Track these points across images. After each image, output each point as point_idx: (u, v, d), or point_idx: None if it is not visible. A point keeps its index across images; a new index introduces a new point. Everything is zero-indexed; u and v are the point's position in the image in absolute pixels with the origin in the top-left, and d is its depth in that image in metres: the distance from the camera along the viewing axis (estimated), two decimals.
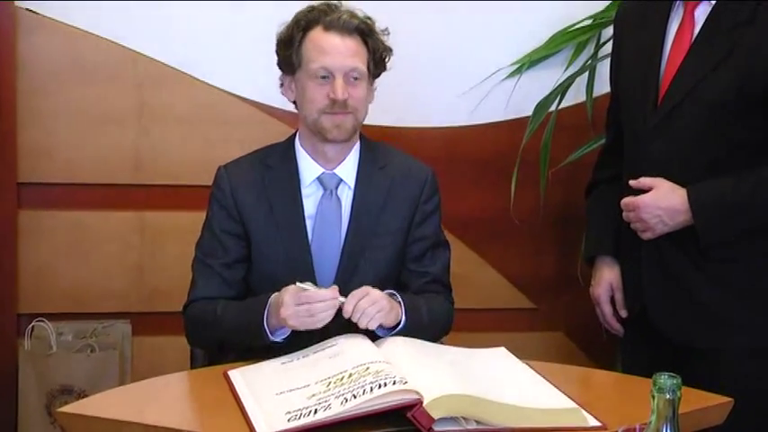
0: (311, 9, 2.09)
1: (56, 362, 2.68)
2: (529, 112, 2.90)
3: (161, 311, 2.80)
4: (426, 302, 2.07)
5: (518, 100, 2.95)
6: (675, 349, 2.08)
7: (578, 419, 1.66)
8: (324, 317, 1.88)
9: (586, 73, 2.91)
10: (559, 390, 1.78)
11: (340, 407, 1.59)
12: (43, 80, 2.76)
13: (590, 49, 2.96)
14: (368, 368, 1.70)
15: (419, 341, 1.96)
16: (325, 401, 1.63)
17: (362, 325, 1.90)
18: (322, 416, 1.58)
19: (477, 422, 1.60)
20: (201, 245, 2.15)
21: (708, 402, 1.77)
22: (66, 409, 1.70)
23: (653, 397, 1.32)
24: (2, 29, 2.70)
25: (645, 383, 1.39)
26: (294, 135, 2.19)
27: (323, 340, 1.92)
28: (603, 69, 2.60)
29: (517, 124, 2.94)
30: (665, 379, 1.31)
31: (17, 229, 2.78)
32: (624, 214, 2.11)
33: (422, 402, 1.58)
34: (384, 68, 2.15)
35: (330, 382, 1.70)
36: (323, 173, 2.12)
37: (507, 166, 2.86)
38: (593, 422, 1.65)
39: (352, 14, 2.08)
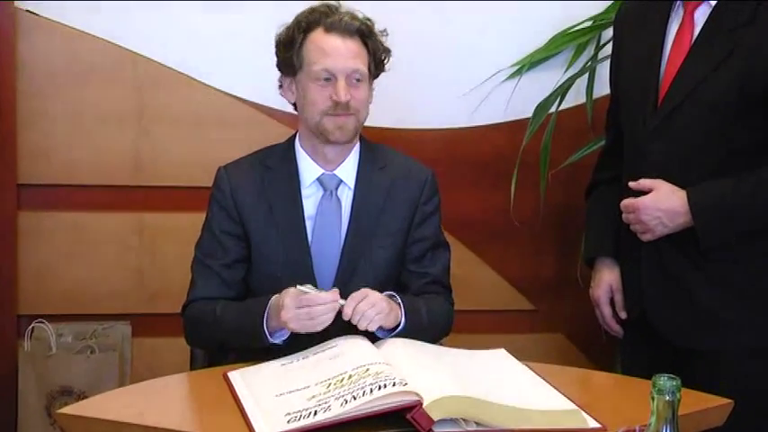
0: (312, 10, 2.09)
1: (56, 363, 2.68)
2: (529, 113, 2.89)
3: (161, 313, 2.80)
4: (426, 303, 2.07)
5: (518, 101, 2.95)
6: (675, 351, 2.08)
7: (578, 421, 1.66)
8: (324, 320, 1.88)
9: (586, 74, 2.91)
10: (559, 391, 1.78)
11: (340, 408, 1.59)
12: (43, 81, 2.76)
13: (590, 51, 2.96)
14: (368, 369, 1.70)
15: (419, 342, 1.96)
16: (325, 403, 1.63)
17: (362, 327, 1.90)
18: (322, 417, 1.58)
19: (477, 424, 1.60)
20: (201, 245, 2.15)
21: (708, 404, 1.77)
22: (66, 410, 1.70)
23: (652, 398, 1.32)
24: (2, 30, 2.70)
25: (644, 385, 1.39)
26: (294, 136, 2.19)
27: (323, 342, 1.92)
28: (603, 71, 2.60)
29: (517, 126, 2.94)
30: (664, 380, 1.31)
31: (17, 230, 2.78)
32: (624, 216, 2.11)
33: (422, 404, 1.58)
34: (383, 69, 2.16)
35: (330, 384, 1.70)
36: (323, 174, 2.12)
37: (507, 168, 2.85)
38: (592, 424, 1.65)
39: (353, 16, 2.08)
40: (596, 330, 2.40)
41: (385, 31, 2.14)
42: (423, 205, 2.16)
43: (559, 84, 2.89)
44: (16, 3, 2.72)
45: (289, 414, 1.62)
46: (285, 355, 1.92)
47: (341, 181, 2.13)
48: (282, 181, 2.12)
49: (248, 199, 2.12)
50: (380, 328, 1.95)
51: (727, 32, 2.01)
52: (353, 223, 2.11)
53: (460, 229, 2.94)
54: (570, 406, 1.71)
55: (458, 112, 2.97)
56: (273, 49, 2.14)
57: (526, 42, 2.96)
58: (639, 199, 2.06)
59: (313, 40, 2.06)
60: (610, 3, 2.90)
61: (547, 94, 2.89)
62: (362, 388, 1.63)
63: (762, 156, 2.01)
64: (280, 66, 2.14)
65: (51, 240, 2.81)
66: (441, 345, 2.05)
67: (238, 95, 2.87)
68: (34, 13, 2.74)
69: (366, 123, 2.14)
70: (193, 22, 2.82)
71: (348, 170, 2.14)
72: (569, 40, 2.95)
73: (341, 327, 1.92)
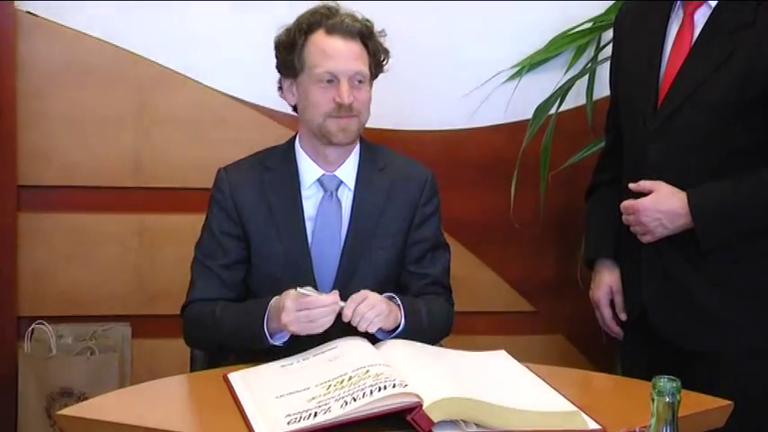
0: (312, 12, 2.10)
1: (55, 364, 2.68)
2: (529, 115, 2.89)
3: (161, 314, 2.80)
4: (426, 304, 2.07)
5: (518, 103, 2.95)
6: (675, 352, 2.08)
7: (578, 422, 1.65)
8: (324, 322, 1.88)
9: (586, 76, 2.91)
10: (559, 393, 1.78)
11: (340, 410, 1.59)
12: (43, 83, 2.76)
13: (590, 52, 2.96)
14: (368, 371, 1.70)
15: (419, 344, 1.96)
16: (325, 404, 1.62)
17: (362, 329, 1.90)
18: (322, 419, 1.58)
19: (477, 425, 1.60)
20: (201, 246, 2.15)
21: (708, 405, 1.77)
22: (66, 411, 1.70)
23: (652, 400, 1.32)
24: (2, 30, 2.70)
25: (645, 386, 1.39)
26: (294, 137, 2.19)
27: (323, 343, 1.92)
28: (603, 72, 2.59)
29: (517, 127, 2.94)
30: (664, 382, 1.31)
31: (17, 231, 2.78)
32: (624, 217, 2.11)
33: (422, 405, 1.58)
34: (382, 70, 2.16)
35: (330, 385, 1.70)
36: (323, 174, 2.12)
37: (507, 169, 2.85)
38: (592, 425, 1.65)
39: (354, 18, 2.08)
40: (596, 332, 2.40)
41: (383, 31, 2.14)
42: (422, 206, 2.16)
43: (559, 85, 2.89)
44: (16, 3, 2.72)
45: (289, 415, 1.62)
46: (285, 356, 1.92)
47: (341, 182, 2.13)
48: (282, 182, 2.12)
49: (248, 200, 2.12)
50: (380, 329, 1.95)
51: (727, 34, 2.01)
52: (353, 224, 2.11)
53: (460, 231, 2.93)
54: (570, 407, 1.71)
55: (458, 113, 2.97)
56: (273, 51, 2.14)
57: (526, 44, 2.96)
58: (639, 200, 2.06)
59: (314, 42, 2.06)
60: (610, 4, 2.90)
61: (547, 95, 2.89)
62: (362, 389, 1.62)
63: (762, 156, 2.01)
64: (280, 68, 2.14)
65: (51, 242, 2.81)
66: (441, 346, 2.05)
67: (238, 97, 2.87)
68: (34, 14, 2.74)
69: (366, 125, 2.14)
70: (193, 24, 2.82)
71: (348, 171, 2.14)
72: (569, 42, 2.94)
73: (341, 328, 1.92)
